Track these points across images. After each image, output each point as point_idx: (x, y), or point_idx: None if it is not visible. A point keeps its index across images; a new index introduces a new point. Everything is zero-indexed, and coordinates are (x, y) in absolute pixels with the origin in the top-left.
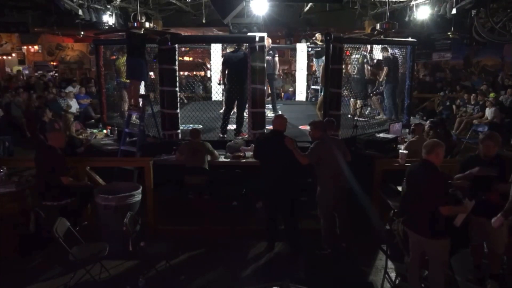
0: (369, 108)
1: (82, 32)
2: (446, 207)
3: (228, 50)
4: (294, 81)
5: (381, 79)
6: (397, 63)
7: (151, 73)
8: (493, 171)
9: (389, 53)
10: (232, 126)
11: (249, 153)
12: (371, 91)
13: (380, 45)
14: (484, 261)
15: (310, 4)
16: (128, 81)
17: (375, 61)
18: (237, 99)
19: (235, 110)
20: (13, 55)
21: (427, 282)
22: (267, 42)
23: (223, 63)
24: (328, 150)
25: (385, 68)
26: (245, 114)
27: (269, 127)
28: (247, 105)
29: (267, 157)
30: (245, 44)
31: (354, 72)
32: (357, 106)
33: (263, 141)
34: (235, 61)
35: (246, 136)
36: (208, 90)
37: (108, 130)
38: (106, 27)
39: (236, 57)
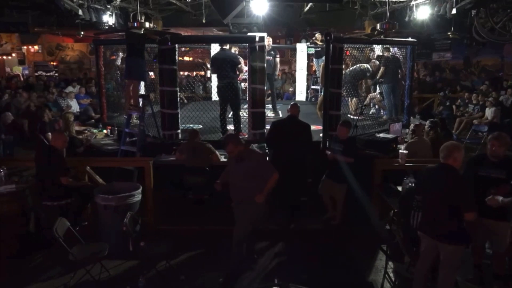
0: (372, 109)
1: (82, 32)
2: (473, 213)
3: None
4: (294, 81)
5: (378, 77)
6: (397, 62)
7: (151, 73)
8: (501, 173)
9: (390, 53)
10: (232, 126)
11: None
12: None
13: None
14: (485, 261)
15: (310, 4)
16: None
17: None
18: (229, 99)
19: None
20: (13, 55)
21: (428, 283)
22: (268, 41)
23: (211, 65)
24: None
25: (382, 68)
26: (245, 113)
27: (269, 127)
28: (246, 105)
29: (283, 138)
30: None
31: (347, 70)
32: (356, 105)
33: (280, 124)
34: (220, 61)
35: (246, 136)
36: (208, 90)
37: (108, 130)
38: (106, 27)
39: (221, 56)
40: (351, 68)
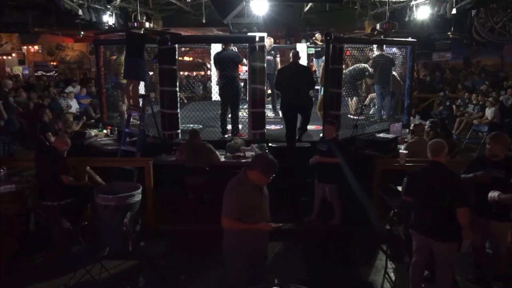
0: (372, 109)
1: (82, 32)
2: (464, 209)
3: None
4: None
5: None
6: (387, 63)
7: (151, 73)
8: (500, 172)
9: (384, 52)
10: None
11: (249, 153)
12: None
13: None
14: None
15: (310, 4)
16: (124, 81)
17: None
18: (229, 99)
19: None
20: (13, 55)
21: (427, 282)
22: (269, 41)
23: (214, 64)
24: None
25: (371, 69)
26: (245, 113)
27: (269, 127)
28: (246, 105)
29: (289, 80)
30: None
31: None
32: (356, 104)
33: (286, 70)
34: (222, 60)
35: (246, 136)
36: (208, 90)
37: (108, 130)
38: (106, 27)
39: (223, 56)
40: (350, 68)
